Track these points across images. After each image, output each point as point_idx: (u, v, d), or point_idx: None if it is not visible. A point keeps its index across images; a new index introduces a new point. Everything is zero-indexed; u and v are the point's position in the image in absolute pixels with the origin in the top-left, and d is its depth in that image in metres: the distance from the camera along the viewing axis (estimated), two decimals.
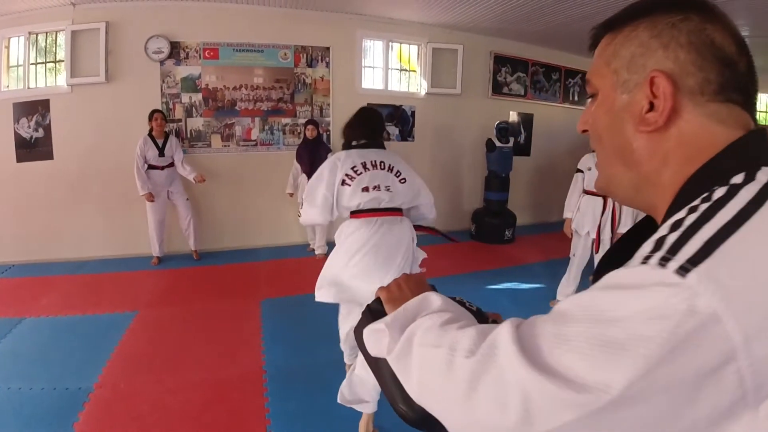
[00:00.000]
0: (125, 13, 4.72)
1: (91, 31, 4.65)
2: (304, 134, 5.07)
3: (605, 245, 3.57)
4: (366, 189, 2.25)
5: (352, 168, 2.27)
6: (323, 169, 2.30)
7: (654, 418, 0.36)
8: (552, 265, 4.64)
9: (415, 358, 0.53)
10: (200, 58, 5.09)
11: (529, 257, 5.42)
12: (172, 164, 4.78)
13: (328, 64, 5.57)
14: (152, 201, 4.62)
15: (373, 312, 0.72)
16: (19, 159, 4.76)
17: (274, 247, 5.57)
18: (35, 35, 4.72)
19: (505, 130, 5.88)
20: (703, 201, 0.44)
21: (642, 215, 0.60)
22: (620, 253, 0.56)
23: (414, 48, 6.07)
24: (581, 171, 3.69)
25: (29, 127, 4.73)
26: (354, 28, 5.60)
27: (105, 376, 2.71)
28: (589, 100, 0.60)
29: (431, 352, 0.50)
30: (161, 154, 4.65)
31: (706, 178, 0.47)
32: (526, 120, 6.99)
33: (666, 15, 0.51)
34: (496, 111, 6.48)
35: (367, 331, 0.63)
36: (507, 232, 6.04)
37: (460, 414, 0.45)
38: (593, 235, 3.59)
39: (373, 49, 5.91)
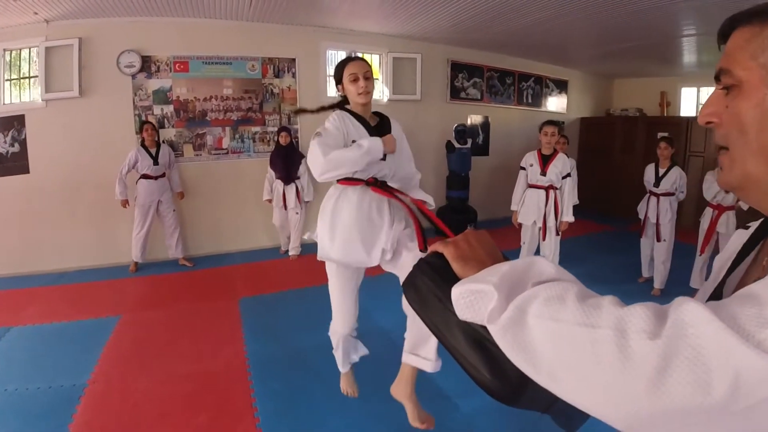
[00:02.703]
0: (97, 29, 4.83)
1: (64, 47, 4.74)
2: (278, 141, 5.29)
3: (551, 232, 3.95)
4: None
5: None
6: None
7: None
8: (510, 255, 4.91)
9: (536, 332, 0.47)
10: (171, 71, 5.25)
11: None
12: (164, 175, 4.89)
13: (294, 75, 5.81)
14: (125, 207, 4.74)
15: (435, 267, 0.63)
16: None
17: (247, 251, 5.73)
18: (9, 52, 4.79)
19: (462, 132, 6.26)
20: None
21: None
22: (742, 256, 0.64)
23: (375, 57, 6.37)
24: (524, 168, 4.06)
25: (5, 142, 4.78)
26: (318, 40, 5.85)
27: (97, 373, 2.87)
28: (721, 90, 0.56)
29: (576, 331, 0.45)
30: (156, 162, 4.77)
31: None
32: (484, 122, 7.40)
33: None
34: (454, 115, 6.83)
35: (460, 291, 0.55)
36: (469, 227, 6.38)
37: (642, 401, 0.40)
38: (539, 224, 3.96)
39: (336, 59, 6.14)
